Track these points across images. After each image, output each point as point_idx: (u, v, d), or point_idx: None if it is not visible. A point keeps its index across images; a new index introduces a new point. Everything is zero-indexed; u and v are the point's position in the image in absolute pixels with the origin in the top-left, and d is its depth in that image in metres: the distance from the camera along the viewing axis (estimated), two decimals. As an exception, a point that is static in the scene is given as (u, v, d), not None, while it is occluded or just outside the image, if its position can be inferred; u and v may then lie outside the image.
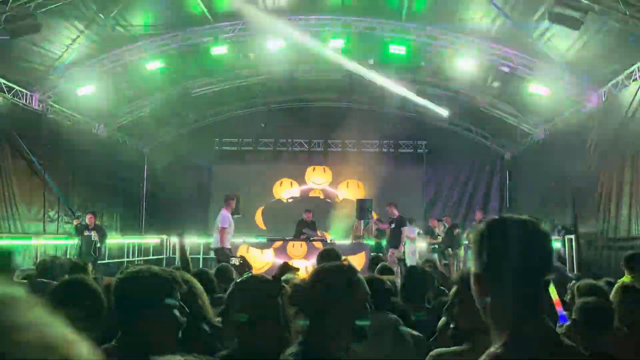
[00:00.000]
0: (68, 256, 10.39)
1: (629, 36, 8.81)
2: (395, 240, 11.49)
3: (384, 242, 12.17)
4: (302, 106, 15.59)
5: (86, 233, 10.45)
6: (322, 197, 16.03)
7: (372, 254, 9.84)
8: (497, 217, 1.42)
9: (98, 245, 10.52)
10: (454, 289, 2.14)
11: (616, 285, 3.58)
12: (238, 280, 2.12)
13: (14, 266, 3.76)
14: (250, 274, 2.18)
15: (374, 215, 13.18)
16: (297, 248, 12.32)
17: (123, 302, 1.85)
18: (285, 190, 16.09)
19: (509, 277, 1.28)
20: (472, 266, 1.38)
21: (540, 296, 1.31)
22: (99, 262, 10.50)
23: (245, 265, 5.13)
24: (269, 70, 13.25)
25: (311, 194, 16.06)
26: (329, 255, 4.94)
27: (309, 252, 11.90)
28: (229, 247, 9.85)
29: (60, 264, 4.89)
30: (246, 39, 11.58)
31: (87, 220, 10.61)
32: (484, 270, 1.31)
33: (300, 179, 16.08)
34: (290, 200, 15.82)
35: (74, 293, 2.18)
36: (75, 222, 10.99)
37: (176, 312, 1.80)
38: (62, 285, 2.34)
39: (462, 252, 12.77)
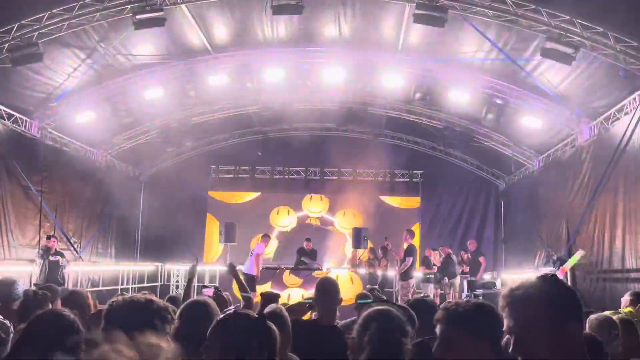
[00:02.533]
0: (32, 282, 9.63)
1: (619, 70, 9.03)
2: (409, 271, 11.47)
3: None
4: (298, 135, 15.72)
5: (52, 258, 9.95)
6: (318, 224, 16.04)
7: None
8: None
9: (64, 270, 10.22)
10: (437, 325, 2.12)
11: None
12: (219, 318, 2.05)
13: (15, 295, 3.74)
14: (231, 311, 2.07)
15: (369, 244, 13.21)
16: (293, 277, 12.31)
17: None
18: (283, 219, 16.09)
19: None
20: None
21: None
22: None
23: (220, 298, 4.96)
24: (266, 99, 13.43)
25: (307, 222, 16.07)
26: (325, 285, 4.95)
27: (305, 281, 11.90)
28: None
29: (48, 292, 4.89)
30: (244, 69, 11.76)
31: (49, 244, 10.06)
32: None
33: (297, 207, 16.11)
34: (289, 230, 15.78)
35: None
36: (44, 243, 10.30)
37: None
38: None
39: (458, 281, 12.76)
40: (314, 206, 16.18)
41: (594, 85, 9.96)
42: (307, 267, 12.26)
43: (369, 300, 3.92)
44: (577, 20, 8.68)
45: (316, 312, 4.24)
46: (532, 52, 9.75)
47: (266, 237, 12.51)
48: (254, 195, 16.13)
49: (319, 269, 12.62)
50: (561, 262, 11.08)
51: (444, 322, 1.69)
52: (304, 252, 13.04)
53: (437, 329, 1.72)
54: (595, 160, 10.27)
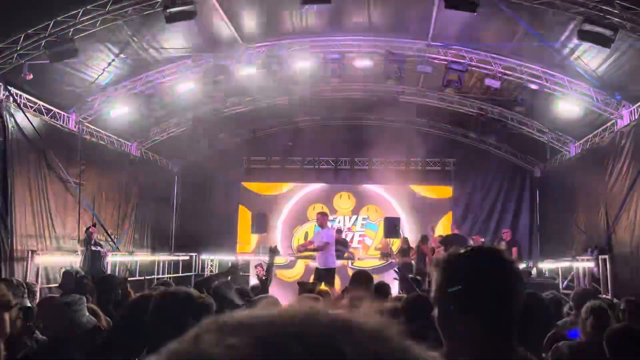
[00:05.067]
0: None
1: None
2: None
3: None
4: (329, 124, 15.71)
5: (93, 247, 10.26)
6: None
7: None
8: (460, 249, 1.44)
9: (106, 260, 10.49)
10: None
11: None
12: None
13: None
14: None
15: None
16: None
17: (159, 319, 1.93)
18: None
19: (479, 307, 1.31)
20: (436, 296, 1.39)
21: (510, 325, 1.34)
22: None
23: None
24: (296, 89, 13.45)
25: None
26: (355, 276, 4.98)
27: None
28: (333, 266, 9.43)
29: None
30: (274, 59, 11.79)
31: (92, 234, 10.36)
32: (453, 301, 1.33)
33: (329, 204, 16.09)
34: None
35: None
36: (91, 230, 10.65)
37: None
38: None
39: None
40: (343, 204, 16.19)
41: (634, 69, 9.61)
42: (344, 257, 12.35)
43: None
44: (616, 1, 8.37)
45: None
46: (569, 35, 9.47)
47: (324, 217, 9.86)
48: (286, 187, 16.21)
49: (351, 257, 12.67)
50: (600, 250, 10.81)
51: None
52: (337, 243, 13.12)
53: None
54: (636, 146, 9.94)
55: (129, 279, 11.43)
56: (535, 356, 1.38)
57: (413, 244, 13.15)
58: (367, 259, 13.94)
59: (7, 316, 1.90)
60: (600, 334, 2.86)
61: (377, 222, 15.58)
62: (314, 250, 9.54)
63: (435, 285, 1.38)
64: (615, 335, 2.70)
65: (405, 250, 12.88)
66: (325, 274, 9.04)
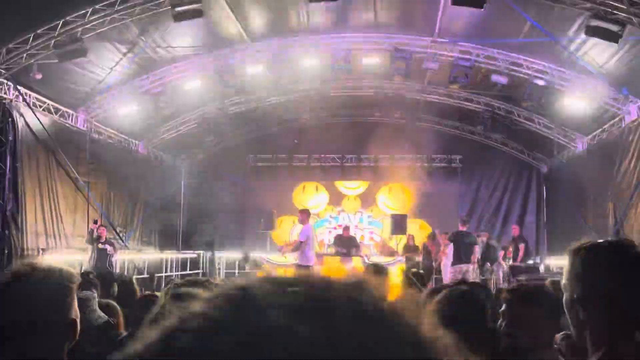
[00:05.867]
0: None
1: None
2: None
3: None
4: (334, 121, 15.73)
5: (100, 246, 10.20)
6: (359, 203, 16.05)
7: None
8: (593, 242, 1.49)
9: (113, 258, 10.55)
10: (504, 306, 2.16)
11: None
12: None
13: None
14: None
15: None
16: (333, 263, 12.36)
17: None
18: (310, 198, 16.10)
19: (609, 300, 1.35)
20: (566, 287, 1.44)
21: (636, 316, 1.37)
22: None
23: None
24: (302, 87, 13.48)
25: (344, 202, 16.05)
26: (376, 270, 5.01)
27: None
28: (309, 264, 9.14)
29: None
30: (281, 57, 11.81)
31: (99, 233, 10.31)
32: (584, 293, 1.38)
33: (329, 186, 15.97)
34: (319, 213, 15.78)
35: None
36: (92, 227, 10.54)
37: None
38: None
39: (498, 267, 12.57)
40: (350, 182, 16.05)
41: (642, 64, 9.59)
42: (352, 254, 12.31)
43: None
44: (624, -4, 8.36)
45: None
46: (576, 31, 9.45)
47: (302, 213, 9.67)
48: (291, 182, 16.27)
49: (360, 256, 12.68)
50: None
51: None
52: (340, 240, 13.09)
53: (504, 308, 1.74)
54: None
55: (137, 276, 11.54)
56: None
57: (418, 240, 13.20)
58: (374, 256, 13.97)
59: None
60: None
61: (380, 219, 15.64)
62: (293, 249, 9.50)
63: (568, 273, 1.42)
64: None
65: (411, 247, 12.90)
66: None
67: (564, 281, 1.44)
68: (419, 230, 14.23)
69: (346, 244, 12.13)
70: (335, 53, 11.64)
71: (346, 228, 12.85)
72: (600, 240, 1.47)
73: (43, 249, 10.08)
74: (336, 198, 16.26)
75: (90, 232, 10.50)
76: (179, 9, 9.23)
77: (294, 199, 15.98)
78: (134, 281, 5.87)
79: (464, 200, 15.82)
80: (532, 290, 1.60)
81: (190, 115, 14.21)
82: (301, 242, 9.08)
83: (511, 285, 1.85)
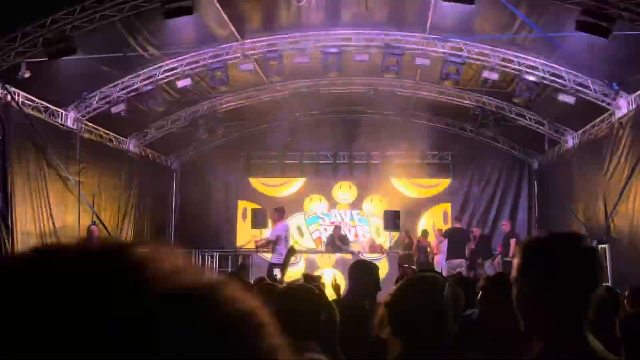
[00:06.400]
0: None
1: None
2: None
3: None
4: (327, 118, 15.72)
5: None
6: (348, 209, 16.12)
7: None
8: (543, 234, 1.46)
9: None
10: (480, 293, 2.16)
11: None
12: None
13: None
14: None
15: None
16: (326, 258, 12.39)
17: None
18: (315, 204, 16.24)
19: (555, 292, 1.32)
20: (516, 278, 1.42)
21: (584, 312, 1.35)
22: None
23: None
24: (293, 84, 13.44)
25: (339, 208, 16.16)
26: (360, 266, 5.02)
27: (337, 262, 11.98)
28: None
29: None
30: (272, 54, 11.77)
31: (93, 233, 10.31)
32: (531, 284, 1.36)
33: (327, 194, 16.14)
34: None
35: None
36: (90, 228, 10.48)
37: None
38: None
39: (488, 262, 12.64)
40: (343, 193, 16.22)
41: (631, 58, 9.65)
42: (346, 252, 12.35)
43: None
44: (614, -9, 8.40)
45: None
46: (566, 26, 9.48)
47: (275, 212, 9.93)
48: (286, 182, 16.29)
49: (352, 252, 12.70)
50: (599, 241, 10.87)
51: None
52: (332, 239, 13.13)
53: None
54: (634, 135, 9.99)
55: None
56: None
57: (413, 236, 13.26)
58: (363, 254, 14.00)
59: None
60: None
61: (366, 217, 15.75)
62: (263, 246, 9.56)
63: (516, 268, 1.40)
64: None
65: (407, 243, 12.95)
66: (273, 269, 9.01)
67: (514, 275, 1.42)
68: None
69: (338, 242, 12.27)
70: (326, 50, 11.61)
71: (337, 227, 12.88)
72: (548, 234, 1.45)
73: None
74: (331, 205, 16.28)
75: (88, 233, 10.45)
76: (169, 5, 9.15)
77: (304, 207, 16.13)
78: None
79: (456, 196, 15.87)
80: (508, 278, 1.59)
81: (182, 114, 14.13)
82: (270, 240, 9.17)
83: (488, 275, 1.84)
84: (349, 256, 11.64)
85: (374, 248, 13.85)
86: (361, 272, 4.13)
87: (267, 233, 9.62)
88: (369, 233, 15.68)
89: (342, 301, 4.21)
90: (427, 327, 1.64)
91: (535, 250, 1.38)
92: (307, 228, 15.98)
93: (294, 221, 15.39)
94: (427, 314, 1.65)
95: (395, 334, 1.69)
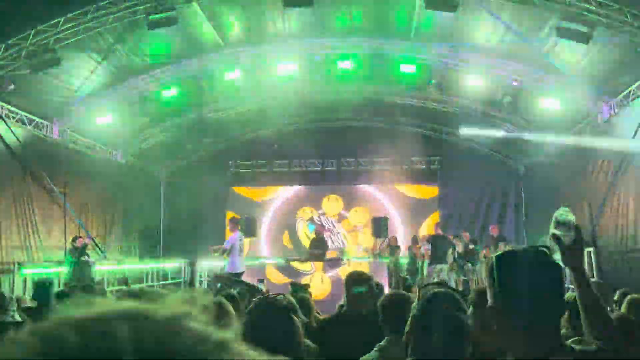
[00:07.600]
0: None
1: (637, 47, 8.86)
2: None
3: None
4: (314, 126, 15.75)
5: (84, 258, 10.02)
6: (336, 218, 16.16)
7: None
8: (506, 249, 1.50)
9: (94, 270, 10.31)
10: (471, 308, 2.17)
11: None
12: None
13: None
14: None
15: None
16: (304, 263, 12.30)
17: None
18: (305, 214, 16.35)
19: (518, 308, 1.35)
20: (487, 295, 1.45)
21: (551, 326, 1.38)
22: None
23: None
24: (281, 93, 13.46)
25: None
26: (359, 276, 4.93)
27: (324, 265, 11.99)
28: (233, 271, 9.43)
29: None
30: (258, 63, 11.79)
31: (78, 245, 10.15)
32: (495, 301, 1.39)
33: (317, 205, 16.22)
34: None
35: None
36: (79, 242, 10.31)
37: None
38: None
39: (481, 267, 12.70)
40: (331, 207, 16.31)
41: (612, 64, 9.79)
42: (330, 259, 12.28)
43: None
44: (593, -2, 8.53)
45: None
46: (548, 33, 9.61)
47: (230, 222, 10.39)
48: (274, 190, 16.30)
49: (339, 259, 12.69)
50: (585, 243, 10.95)
51: None
52: (314, 243, 13.09)
53: None
54: (616, 138, 10.11)
55: (119, 287, 11.38)
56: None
57: (400, 241, 13.31)
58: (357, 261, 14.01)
59: None
60: None
61: (354, 224, 15.85)
62: (217, 254, 9.72)
63: (486, 281, 1.43)
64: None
65: (393, 248, 12.98)
66: (231, 277, 9.05)
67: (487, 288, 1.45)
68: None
69: (318, 246, 12.16)
70: (312, 58, 11.66)
71: (318, 232, 12.82)
72: (512, 248, 1.49)
73: (19, 263, 9.88)
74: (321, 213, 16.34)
75: (79, 248, 10.24)
76: (153, 17, 9.16)
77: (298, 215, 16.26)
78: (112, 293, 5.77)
79: (445, 201, 15.94)
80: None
81: (169, 123, 14.08)
82: (224, 249, 9.34)
83: (478, 287, 1.87)
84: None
85: (361, 252, 13.88)
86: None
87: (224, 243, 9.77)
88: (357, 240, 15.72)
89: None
90: None
91: (500, 265, 1.41)
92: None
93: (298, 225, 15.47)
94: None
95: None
